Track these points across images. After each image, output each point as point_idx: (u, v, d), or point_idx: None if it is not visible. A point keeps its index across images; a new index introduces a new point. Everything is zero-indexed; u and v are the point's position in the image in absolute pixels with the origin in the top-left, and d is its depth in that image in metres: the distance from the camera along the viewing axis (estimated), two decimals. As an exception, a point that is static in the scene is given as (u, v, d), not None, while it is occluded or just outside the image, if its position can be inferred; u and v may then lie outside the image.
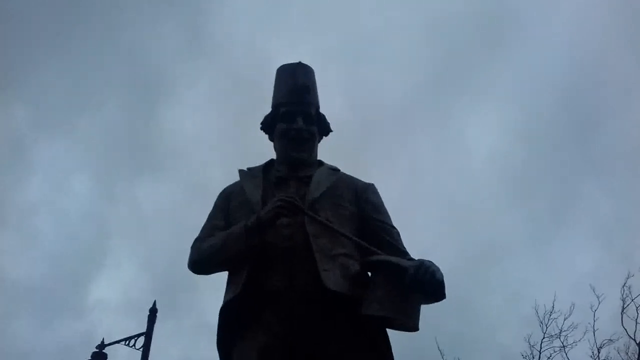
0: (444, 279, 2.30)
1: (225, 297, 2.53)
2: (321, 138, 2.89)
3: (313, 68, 2.92)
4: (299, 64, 2.88)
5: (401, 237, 2.70)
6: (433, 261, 2.33)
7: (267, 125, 2.89)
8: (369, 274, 2.49)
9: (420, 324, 2.36)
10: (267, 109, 2.91)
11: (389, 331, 2.46)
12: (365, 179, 2.84)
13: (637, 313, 14.18)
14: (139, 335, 11.40)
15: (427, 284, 2.24)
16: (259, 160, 2.89)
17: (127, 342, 11.47)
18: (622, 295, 14.36)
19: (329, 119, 2.91)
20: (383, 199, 2.79)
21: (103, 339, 11.78)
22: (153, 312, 11.44)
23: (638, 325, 14.12)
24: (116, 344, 11.65)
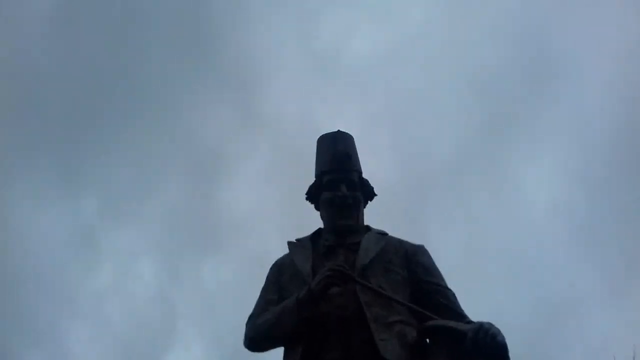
0: (506, 342, 2.19)
1: None
2: (366, 203, 2.88)
3: (360, 133, 2.98)
4: (338, 132, 2.92)
5: (457, 298, 2.61)
6: (496, 323, 2.23)
7: (312, 195, 2.91)
8: (427, 340, 2.41)
9: None
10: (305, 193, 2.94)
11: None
12: (423, 238, 2.80)
13: None
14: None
15: (488, 347, 2.15)
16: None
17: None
18: None
19: (380, 182, 2.93)
20: (443, 259, 2.74)
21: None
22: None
23: None
24: None
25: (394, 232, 2.83)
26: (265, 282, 2.80)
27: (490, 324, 2.20)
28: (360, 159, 2.93)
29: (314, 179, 2.92)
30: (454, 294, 2.61)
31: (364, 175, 2.90)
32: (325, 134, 2.96)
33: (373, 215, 2.89)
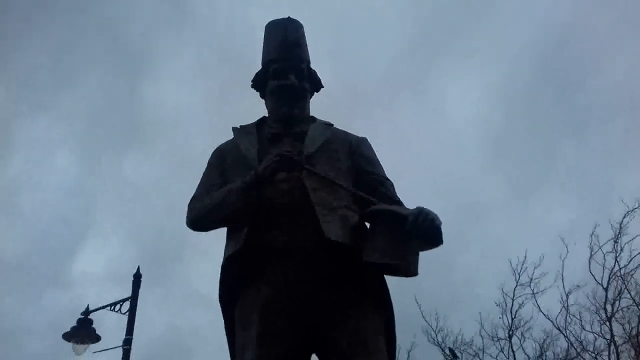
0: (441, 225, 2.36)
1: (225, 252, 2.56)
2: (312, 94, 2.90)
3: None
4: (289, 19, 2.85)
5: (395, 188, 2.75)
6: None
7: (258, 83, 2.88)
8: (367, 224, 2.54)
9: (400, 281, 2.45)
10: (251, 77, 2.89)
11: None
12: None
13: (604, 260, 14.78)
14: (124, 301, 11.43)
15: (427, 230, 2.30)
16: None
17: (113, 307, 11.49)
18: (591, 244, 14.91)
19: None
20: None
21: (88, 306, 11.78)
22: (137, 277, 11.44)
23: (605, 270, 14.74)
24: (102, 310, 11.68)
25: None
26: (207, 167, 2.81)
27: (428, 209, 2.34)
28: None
29: (261, 66, 2.88)
30: (392, 184, 2.74)
31: None
32: (275, 20, 2.89)
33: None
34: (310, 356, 2.49)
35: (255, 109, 2.96)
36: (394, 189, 2.74)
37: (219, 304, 2.58)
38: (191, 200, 2.73)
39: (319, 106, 2.92)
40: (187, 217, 2.72)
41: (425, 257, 2.44)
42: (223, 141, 2.85)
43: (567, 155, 23.03)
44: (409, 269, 2.38)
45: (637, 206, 14.71)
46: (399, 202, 2.66)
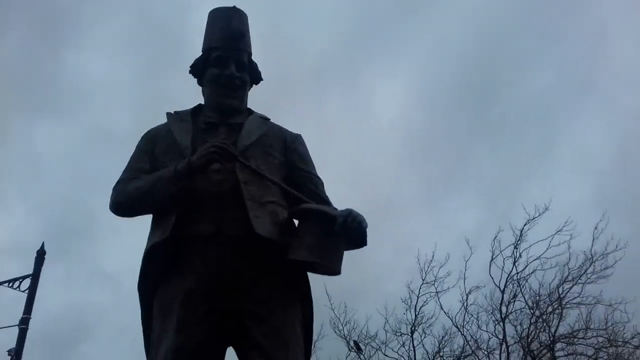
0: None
1: (150, 240, 2.52)
2: (252, 86, 2.89)
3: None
4: (234, 8, 2.83)
5: (324, 186, 2.80)
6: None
7: (197, 69, 2.84)
8: (296, 222, 2.58)
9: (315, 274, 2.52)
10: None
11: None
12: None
13: (504, 264, 15.62)
14: (24, 278, 10.91)
15: (354, 231, 2.37)
16: (167, 107, 2.86)
17: (11, 284, 10.94)
18: (492, 247, 15.73)
19: None
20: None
21: (-18, 281, 11.17)
22: (41, 254, 10.96)
23: (503, 273, 15.61)
24: (-1, 286, 11.09)
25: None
26: (136, 150, 2.75)
27: (356, 212, 2.41)
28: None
29: (201, 52, 2.84)
30: (322, 183, 2.79)
31: None
32: (220, 7, 2.86)
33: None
34: (226, 347, 2.49)
35: (182, 90, 2.93)
36: (323, 187, 2.79)
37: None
38: (117, 183, 2.66)
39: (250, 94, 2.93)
40: (111, 200, 2.64)
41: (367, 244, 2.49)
42: (143, 118, 2.88)
43: (480, 161, 24.17)
44: (333, 269, 2.45)
45: (537, 215, 15.58)
46: (327, 201, 2.72)
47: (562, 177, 23.40)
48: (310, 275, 2.56)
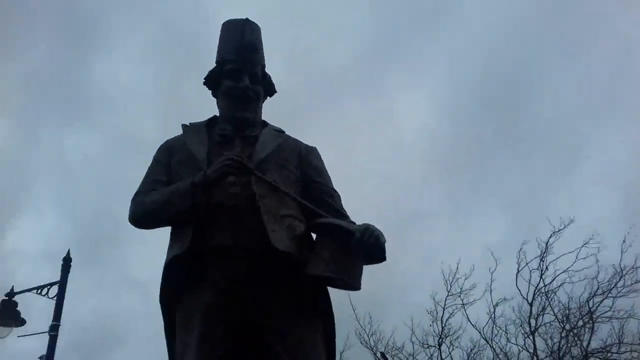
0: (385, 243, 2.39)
1: (170, 252, 2.51)
2: (266, 98, 2.87)
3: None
4: (247, 20, 2.81)
5: (341, 199, 2.76)
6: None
7: (211, 81, 2.84)
8: (313, 235, 2.54)
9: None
10: (205, 64, 2.85)
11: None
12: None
13: (530, 276, 15.35)
14: (52, 285, 11.03)
15: (372, 246, 2.33)
16: (195, 115, 2.85)
17: (39, 290, 11.07)
18: (518, 260, 15.46)
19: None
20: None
21: (13, 287, 11.33)
22: (67, 262, 11.07)
23: (530, 286, 15.32)
24: (28, 293, 11.22)
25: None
26: (153, 162, 2.75)
27: (374, 226, 2.37)
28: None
29: (215, 64, 2.83)
30: (339, 196, 2.75)
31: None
32: (233, 19, 2.85)
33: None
34: None
35: (205, 99, 2.91)
36: (340, 200, 2.75)
37: (155, 291, 2.53)
38: (135, 195, 2.66)
39: (268, 102, 2.89)
40: (130, 212, 2.65)
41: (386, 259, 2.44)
42: (170, 126, 2.85)
43: (504, 172, 23.87)
44: (353, 284, 2.40)
45: (562, 227, 15.28)
46: (345, 214, 2.67)
47: (587, 190, 23.00)
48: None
